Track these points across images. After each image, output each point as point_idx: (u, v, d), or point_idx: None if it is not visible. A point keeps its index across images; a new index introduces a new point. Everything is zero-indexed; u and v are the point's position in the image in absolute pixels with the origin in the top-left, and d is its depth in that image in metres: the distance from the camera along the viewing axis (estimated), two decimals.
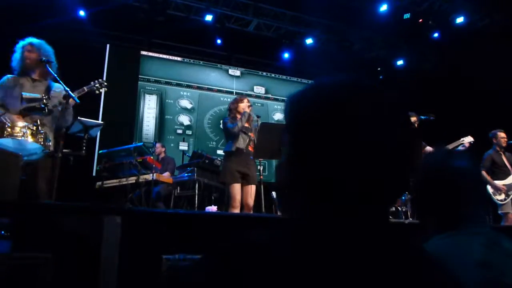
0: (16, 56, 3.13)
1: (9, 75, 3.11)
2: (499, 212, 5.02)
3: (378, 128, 0.60)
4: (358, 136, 0.59)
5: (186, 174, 5.72)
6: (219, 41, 8.14)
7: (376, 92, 0.64)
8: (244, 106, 4.19)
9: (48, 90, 3.10)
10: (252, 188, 4.11)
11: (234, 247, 0.55)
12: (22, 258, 1.40)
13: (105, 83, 3.41)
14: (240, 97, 4.39)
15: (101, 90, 3.39)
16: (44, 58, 3.06)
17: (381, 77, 9.41)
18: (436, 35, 7.92)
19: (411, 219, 4.61)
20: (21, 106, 2.94)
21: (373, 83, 0.65)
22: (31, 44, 3.14)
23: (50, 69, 3.07)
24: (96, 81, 3.38)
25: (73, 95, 3.02)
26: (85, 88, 3.28)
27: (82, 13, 7.09)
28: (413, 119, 4.76)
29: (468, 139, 4.69)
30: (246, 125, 4.21)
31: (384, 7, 7.49)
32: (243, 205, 4.07)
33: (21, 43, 3.15)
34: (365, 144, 0.59)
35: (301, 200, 0.64)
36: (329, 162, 0.59)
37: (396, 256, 0.57)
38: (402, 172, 0.62)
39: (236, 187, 3.99)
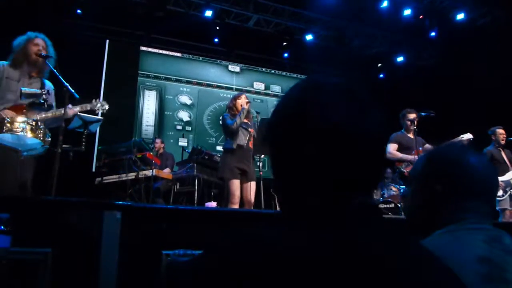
0: (23, 46, 3.06)
1: (4, 62, 3.04)
2: (497, 208, 5.03)
3: (353, 120, 0.61)
4: (334, 130, 0.60)
5: (185, 170, 5.72)
6: (218, 38, 8.11)
7: (349, 86, 0.66)
8: (242, 102, 4.17)
9: (43, 87, 3.09)
10: (252, 185, 4.10)
11: (233, 243, 0.55)
12: (21, 253, 1.40)
13: (107, 105, 3.45)
14: (238, 94, 4.38)
15: (101, 111, 3.43)
16: (43, 53, 3.04)
17: (381, 75, 9.39)
18: (436, 32, 7.90)
19: None
20: (20, 101, 2.93)
21: (341, 80, 0.67)
22: (44, 40, 3.11)
23: (50, 64, 3.05)
24: (99, 102, 3.39)
25: (73, 91, 3.02)
26: (88, 105, 3.32)
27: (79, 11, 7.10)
28: (413, 115, 4.75)
29: (467, 136, 4.69)
30: (246, 121, 4.20)
31: (384, 4, 7.47)
32: (244, 201, 4.07)
33: (32, 35, 3.10)
34: (342, 136, 0.60)
35: (291, 197, 0.66)
36: (309, 159, 0.61)
37: (396, 252, 0.57)
38: (380, 159, 0.65)
39: (235, 183, 3.98)
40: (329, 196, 0.61)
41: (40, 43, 3.08)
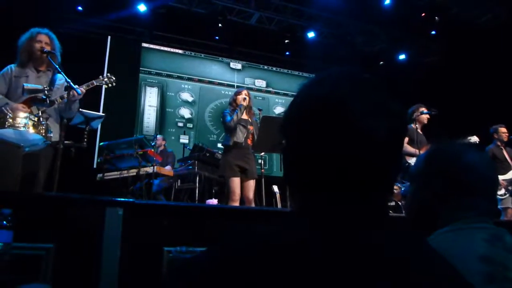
0: (26, 44, 3.06)
1: (12, 65, 3.08)
2: (499, 207, 5.02)
3: (371, 120, 0.60)
4: (351, 129, 0.59)
5: (186, 167, 5.72)
6: (220, 35, 8.10)
7: (368, 83, 0.64)
8: (241, 98, 4.16)
9: (52, 81, 3.10)
10: (251, 183, 4.09)
11: (238, 240, 0.55)
12: (24, 248, 1.40)
13: (113, 78, 3.45)
14: (239, 89, 4.35)
15: (109, 85, 3.43)
16: (46, 49, 3.04)
17: (383, 72, 9.37)
18: (437, 29, 7.87)
19: None
20: (22, 97, 2.94)
21: (366, 74, 0.65)
22: (47, 35, 3.10)
23: (52, 60, 3.05)
24: (105, 76, 3.40)
25: (75, 87, 3.01)
26: (94, 81, 3.30)
27: (80, 8, 7.10)
28: (422, 109, 4.76)
29: (473, 139, 4.65)
30: (246, 117, 4.18)
31: (387, 1, 7.45)
32: (243, 199, 4.07)
33: (34, 31, 3.08)
34: (359, 136, 0.59)
35: (301, 194, 0.65)
36: (322, 156, 0.60)
37: (402, 249, 0.57)
38: (395, 161, 0.63)
39: (235, 181, 3.97)
40: (346, 194, 0.60)
41: (43, 39, 3.08)
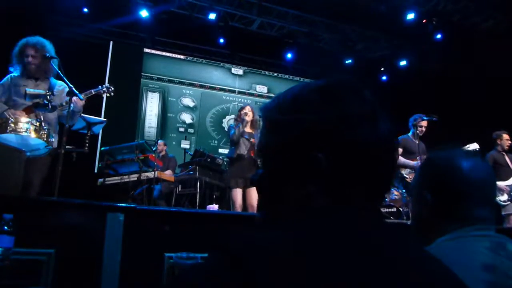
0: (18, 57, 3.07)
1: (12, 74, 3.10)
2: (502, 213, 4.99)
3: (362, 128, 0.60)
4: (344, 137, 0.59)
5: (187, 172, 5.72)
6: (222, 40, 8.13)
7: (362, 88, 0.65)
8: (243, 113, 4.33)
9: (50, 88, 3.11)
10: (254, 191, 4.14)
11: (241, 246, 0.55)
12: (25, 253, 1.40)
13: (112, 88, 3.45)
14: (243, 105, 4.59)
15: (107, 94, 3.43)
16: (47, 54, 3.05)
17: (384, 78, 9.38)
18: (439, 35, 7.88)
19: None
20: (25, 102, 2.95)
21: (354, 82, 0.66)
22: (34, 47, 3.08)
23: (54, 66, 3.07)
24: (104, 86, 3.41)
25: (77, 92, 3.03)
26: (92, 91, 3.33)
27: (86, 9, 7.12)
28: (425, 122, 4.79)
29: (473, 146, 4.63)
30: (250, 131, 4.30)
31: (388, 8, 7.46)
32: (247, 207, 4.14)
33: (22, 44, 3.07)
34: (351, 144, 0.59)
35: (297, 200, 0.64)
36: (329, 162, 0.60)
37: (399, 257, 0.57)
38: (388, 169, 0.63)
39: (237, 192, 4.12)
40: (347, 197, 0.60)
41: (29, 52, 3.05)
